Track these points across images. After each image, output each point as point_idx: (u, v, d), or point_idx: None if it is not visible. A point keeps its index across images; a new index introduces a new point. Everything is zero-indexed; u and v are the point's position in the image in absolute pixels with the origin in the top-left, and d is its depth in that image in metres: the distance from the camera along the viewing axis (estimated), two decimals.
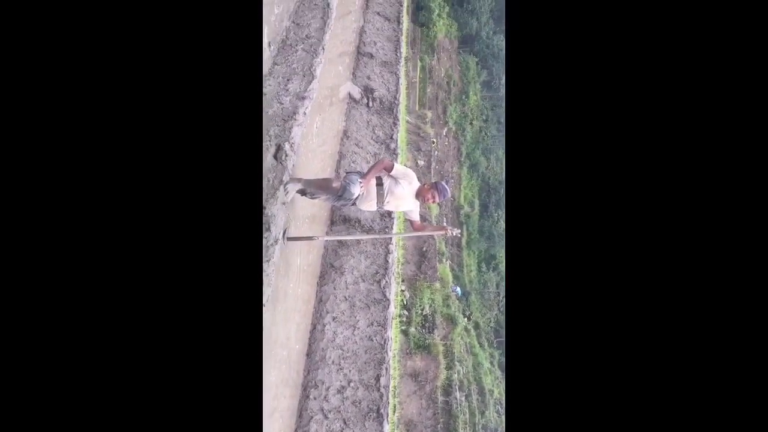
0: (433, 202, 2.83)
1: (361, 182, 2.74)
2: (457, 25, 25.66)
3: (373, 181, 2.81)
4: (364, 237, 4.16)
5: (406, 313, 8.95)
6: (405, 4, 8.30)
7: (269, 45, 3.32)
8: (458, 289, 15.74)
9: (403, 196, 2.82)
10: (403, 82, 6.95)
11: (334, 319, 3.92)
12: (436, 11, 21.88)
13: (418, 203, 2.96)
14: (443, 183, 2.86)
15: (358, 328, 3.99)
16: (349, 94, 5.72)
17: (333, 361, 3.70)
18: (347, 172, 2.94)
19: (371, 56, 6.38)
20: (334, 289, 4.06)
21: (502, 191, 26.84)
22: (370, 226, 4.71)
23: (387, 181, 2.82)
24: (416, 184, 2.86)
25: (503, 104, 28.00)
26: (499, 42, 27.34)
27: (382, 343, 3.99)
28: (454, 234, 3.00)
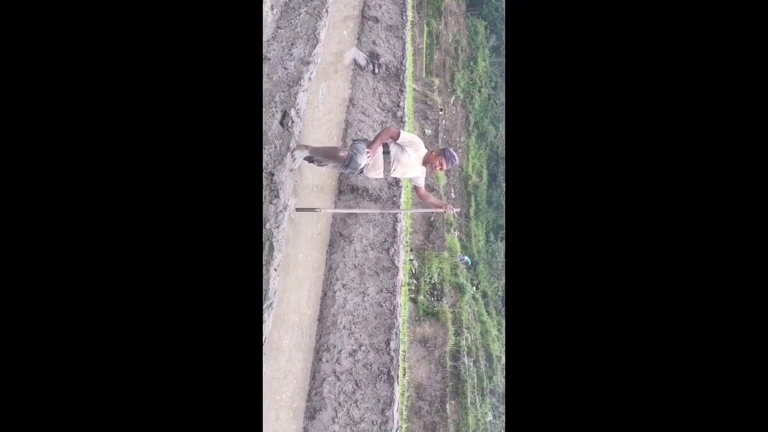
0: (441, 169, 2.81)
1: (368, 151, 2.72)
2: None
3: (380, 149, 2.79)
4: (368, 211, 4.16)
5: (415, 281, 9.06)
6: None
7: (272, 8, 3.24)
8: (466, 258, 15.80)
9: (410, 164, 2.80)
10: (409, 47, 6.77)
11: (344, 286, 3.99)
12: None
13: (425, 170, 2.94)
14: (451, 150, 2.83)
15: (368, 294, 4.05)
16: (355, 60, 5.59)
17: (344, 326, 3.79)
18: (354, 141, 2.92)
19: (376, 20, 6.19)
20: (344, 257, 4.11)
21: None
22: (378, 195, 4.71)
23: (394, 149, 2.80)
24: (423, 152, 2.84)
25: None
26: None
27: (392, 309, 4.06)
28: (454, 212, 3.08)
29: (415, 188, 3.07)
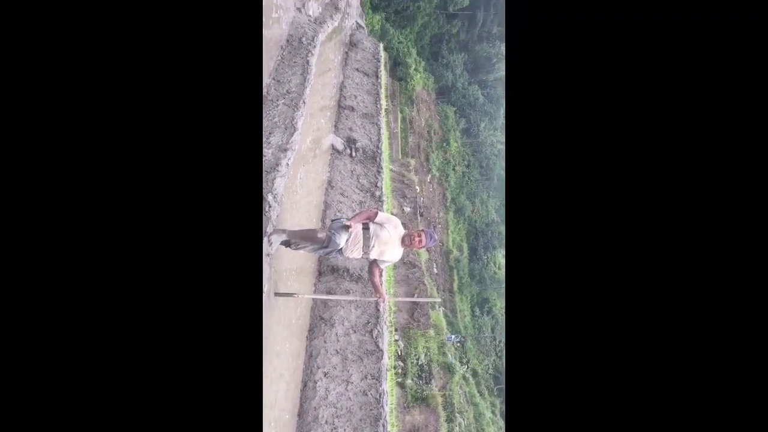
0: (420, 244, 2.81)
1: (347, 224, 2.73)
2: (434, 77, 26.96)
3: (359, 226, 2.81)
4: (349, 298, 4.06)
5: (401, 363, 8.63)
6: (382, 61, 8.72)
7: None
8: (453, 337, 15.37)
9: (389, 241, 2.80)
10: (384, 132, 7.15)
11: (325, 375, 3.74)
12: (413, 66, 23.04)
13: (401, 253, 2.94)
14: (431, 230, 2.88)
15: (352, 382, 3.80)
16: (332, 145, 5.83)
17: (326, 421, 3.49)
18: (332, 221, 2.93)
19: (352, 109, 6.59)
20: (325, 342, 3.91)
21: (489, 234, 27.03)
22: (359, 275, 4.63)
23: (372, 227, 2.82)
24: (401, 230, 2.86)
25: (483, 149, 28.93)
26: (475, 92, 28.68)
27: (378, 397, 3.80)
28: (382, 304, 3.07)
29: (374, 267, 2.96)
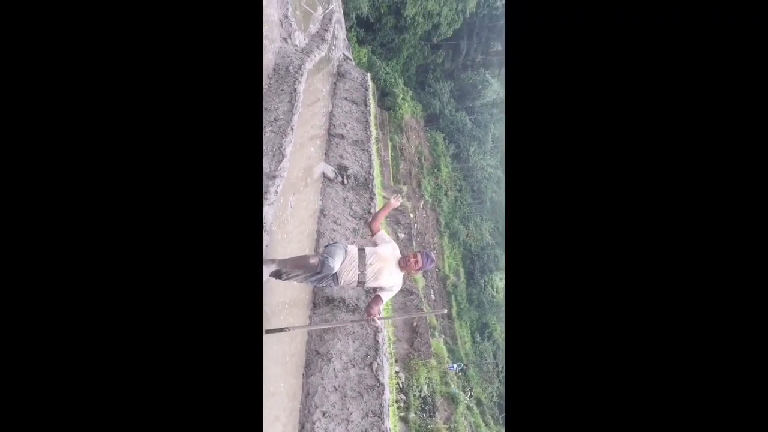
0: (416, 265, 2.67)
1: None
2: (421, 106, 27.45)
3: (355, 248, 2.68)
4: (344, 324, 3.87)
5: (404, 397, 8.28)
6: (370, 89, 8.80)
7: None
8: (455, 366, 14.97)
9: (386, 258, 2.66)
10: (375, 159, 7.11)
11: (324, 415, 3.51)
12: (401, 95, 23.46)
13: (401, 277, 2.79)
14: (428, 252, 2.75)
15: (352, 421, 3.56)
16: (323, 173, 5.75)
17: None
18: (325, 246, 2.80)
19: (342, 137, 6.56)
20: (322, 379, 3.69)
21: (485, 257, 26.88)
22: (356, 305, 4.45)
23: (368, 249, 2.70)
24: (398, 253, 2.74)
25: (474, 173, 29.19)
26: (462, 118, 29.18)
27: None
28: (378, 325, 2.92)
29: (377, 301, 2.74)
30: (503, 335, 24.81)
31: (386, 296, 2.74)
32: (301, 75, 4.11)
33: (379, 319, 2.72)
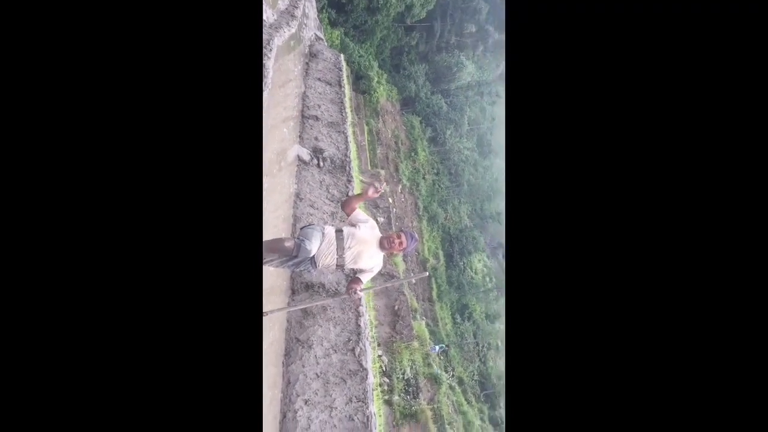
0: (401, 246, 2.57)
1: (323, 233, 2.52)
2: (397, 89, 27.12)
3: (332, 229, 2.55)
4: (323, 302, 3.77)
5: (387, 380, 8.29)
6: (344, 70, 8.56)
7: None
8: (437, 348, 15.15)
9: (365, 240, 2.55)
10: (352, 143, 6.94)
11: (306, 403, 3.42)
12: (375, 79, 23.07)
13: (381, 258, 2.68)
14: (410, 231, 2.64)
15: (336, 408, 3.49)
16: (298, 156, 5.56)
17: None
18: (301, 228, 2.66)
19: (317, 118, 6.35)
20: (303, 366, 3.59)
21: (464, 239, 27.15)
22: (336, 289, 4.35)
23: (346, 229, 2.58)
24: (378, 233, 2.62)
25: (451, 156, 29.24)
26: (438, 101, 29.05)
27: (365, 421, 3.50)
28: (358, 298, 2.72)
29: (356, 281, 2.64)
30: (483, 315, 25.32)
31: (366, 278, 2.65)
32: (270, 50, 3.89)
33: (360, 291, 2.62)
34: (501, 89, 32.00)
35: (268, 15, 5.03)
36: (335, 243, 2.51)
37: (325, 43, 10.94)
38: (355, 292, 2.59)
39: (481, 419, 17.41)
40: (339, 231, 2.57)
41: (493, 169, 30.94)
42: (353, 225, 2.61)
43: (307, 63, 7.70)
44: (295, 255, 2.46)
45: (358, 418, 3.47)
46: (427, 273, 3.53)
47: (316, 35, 9.66)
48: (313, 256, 2.50)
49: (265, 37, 4.08)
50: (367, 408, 3.53)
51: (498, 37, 29.21)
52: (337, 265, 2.57)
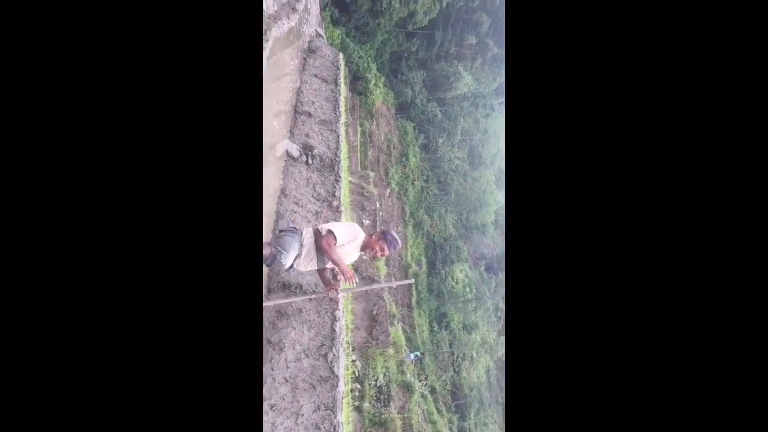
0: (382, 254, 2.48)
1: (299, 248, 2.40)
2: (393, 93, 27.10)
3: (312, 238, 2.46)
4: (300, 298, 3.65)
5: (359, 386, 8.16)
6: (342, 68, 8.45)
7: None
8: (413, 356, 15.09)
9: (349, 252, 2.47)
10: (343, 141, 6.83)
11: (272, 408, 3.29)
12: (373, 81, 23.01)
13: (358, 255, 2.62)
14: (392, 233, 2.54)
15: (303, 415, 3.36)
16: (287, 151, 5.43)
17: None
18: (280, 231, 2.54)
19: (309, 115, 6.23)
20: (272, 369, 3.46)
21: (447, 248, 27.19)
22: (314, 290, 4.23)
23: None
24: (361, 237, 2.53)
25: (441, 165, 29.30)
26: (433, 109, 29.11)
27: (332, 430, 3.38)
28: (337, 295, 2.66)
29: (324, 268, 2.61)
30: (460, 325, 25.35)
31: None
32: (266, 41, 3.77)
33: (340, 291, 2.57)
34: (496, 103, 32.26)
35: (268, 4, 4.90)
36: (315, 254, 2.43)
37: (326, 41, 10.82)
38: (337, 292, 2.56)
39: (450, 429, 17.38)
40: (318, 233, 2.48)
41: (481, 181, 31.09)
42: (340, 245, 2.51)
43: (304, 58, 7.58)
44: (268, 264, 2.35)
45: (324, 427, 3.36)
46: (412, 280, 3.48)
47: (316, 32, 9.54)
48: (289, 267, 2.43)
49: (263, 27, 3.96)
50: (335, 417, 3.42)
51: (497, 51, 29.41)
52: (317, 269, 2.50)
